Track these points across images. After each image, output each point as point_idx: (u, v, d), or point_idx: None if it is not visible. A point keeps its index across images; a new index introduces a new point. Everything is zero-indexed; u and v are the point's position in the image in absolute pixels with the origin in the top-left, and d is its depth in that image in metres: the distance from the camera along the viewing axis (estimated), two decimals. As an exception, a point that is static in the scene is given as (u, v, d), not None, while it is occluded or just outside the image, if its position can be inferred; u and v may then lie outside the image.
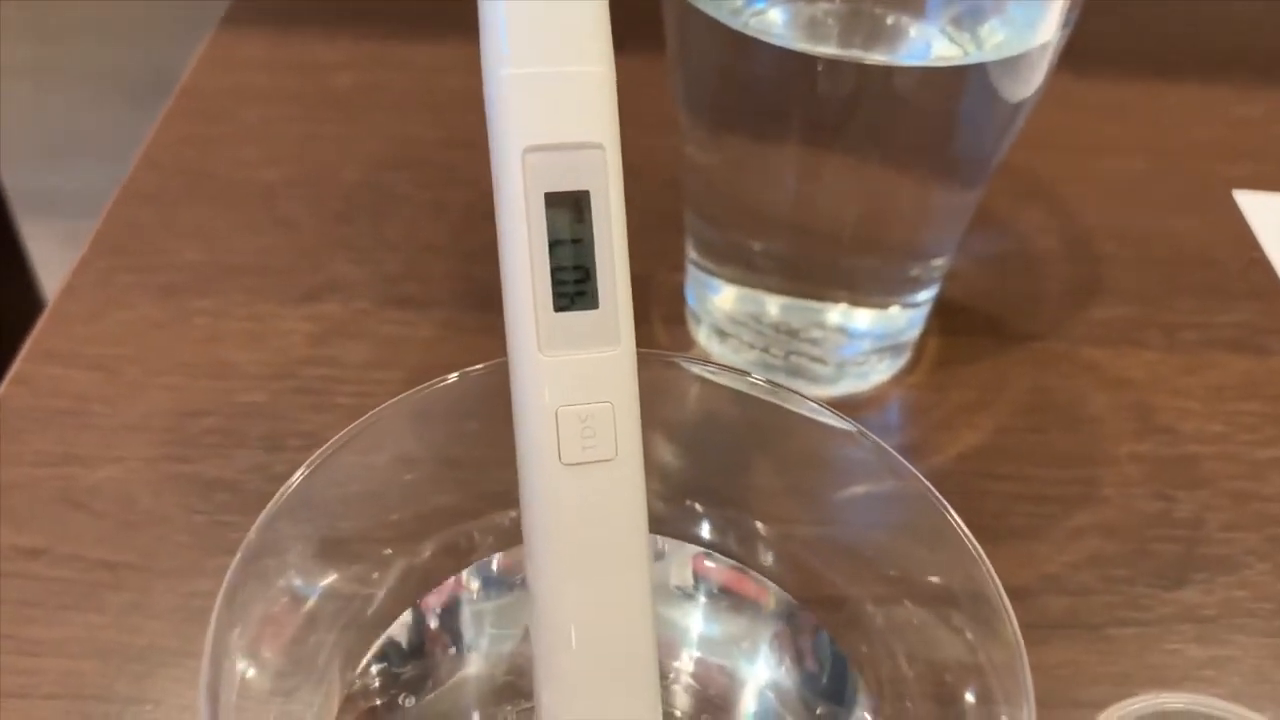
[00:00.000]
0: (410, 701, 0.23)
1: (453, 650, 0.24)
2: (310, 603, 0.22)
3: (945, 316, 0.37)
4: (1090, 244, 0.41)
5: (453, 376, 0.23)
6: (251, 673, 0.20)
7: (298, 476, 0.21)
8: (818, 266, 0.33)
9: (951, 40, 0.30)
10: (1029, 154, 0.40)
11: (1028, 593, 0.30)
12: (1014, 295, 0.38)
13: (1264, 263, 0.40)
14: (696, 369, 0.23)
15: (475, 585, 0.24)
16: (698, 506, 0.25)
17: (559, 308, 0.19)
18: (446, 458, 0.25)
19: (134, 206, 0.39)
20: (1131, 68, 0.49)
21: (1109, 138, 0.46)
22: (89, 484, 0.31)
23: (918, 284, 0.34)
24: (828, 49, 0.29)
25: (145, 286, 0.36)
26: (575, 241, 0.19)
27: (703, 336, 0.36)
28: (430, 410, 0.23)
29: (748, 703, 0.24)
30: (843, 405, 0.34)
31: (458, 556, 0.24)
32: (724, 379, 0.23)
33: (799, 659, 0.24)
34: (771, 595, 0.24)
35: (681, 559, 0.24)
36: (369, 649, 0.23)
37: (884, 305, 0.34)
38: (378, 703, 0.22)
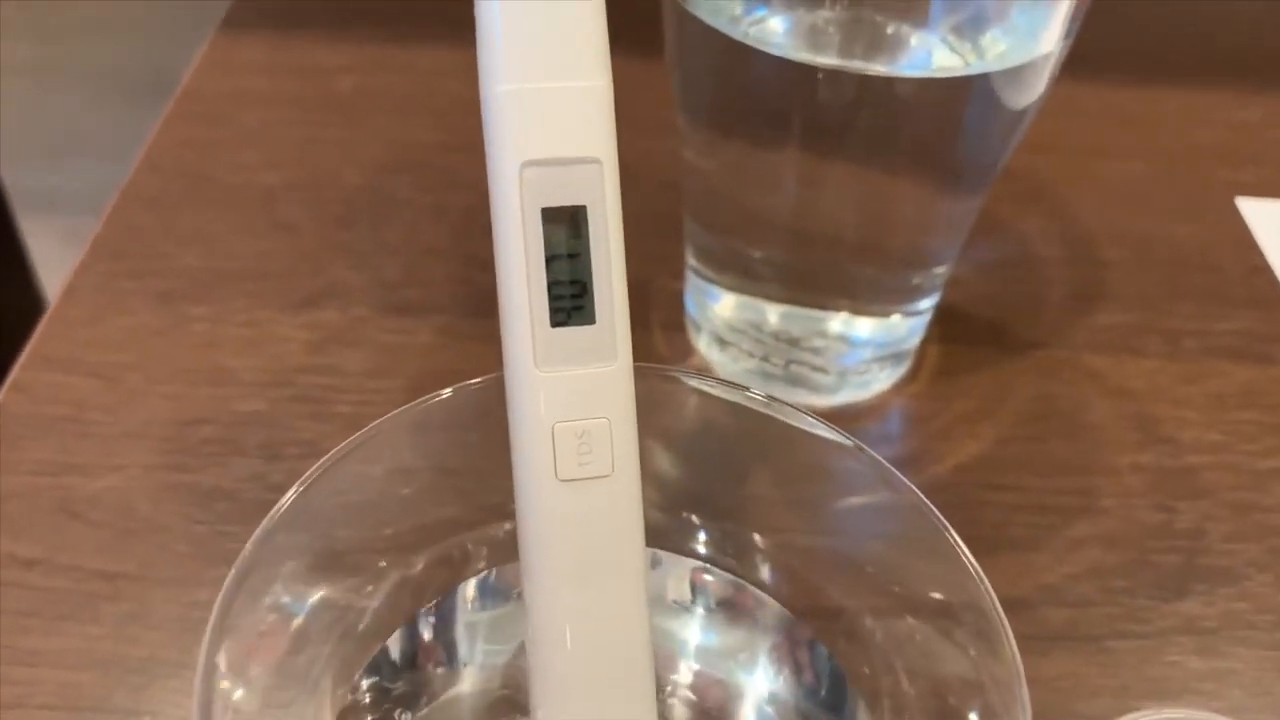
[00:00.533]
0: (405, 717, 0.22)
1: (448, 664, 0.24)
2: (301, 618, 0.22)
3: (946, 324, 0.36)
4: (1091, 249, 0.41)
5: (446, 392, 0.23)
6: (242, 691, 0.20)
7: (290, 495, 0.21)
8: (818, 275, 0.33)
9: (953, 50, 0.30)
10: (1030, 158, 0.40)
11: (1027, 604, 0.30)
12: (1015, 302, 0.38)
13: (1266, 270, 0.40)
14: (694, 383, 0.23)
15: (471, 598, 0.24)
16: (695, 519, 0.25)
17: (556, 323, 0.19)
18: (443, 468, 0.25)
19: (134, 210, 0.39)
20: (1132, 71, 0.49)
21: (1110, 142, 0.46)
22: (87, 493, 0.31)
23: (919, 292, 0.34)
24: (828, 59, 0.28)
25: (145, 292, 0.36)
26: (572, 256, 0.19)
27: (702, 345, 0.36)
28: (428, 423, 0.23)
29: (745, 716, 0.24)
30: (844, 414, 0.34)
31: (453, 569, 0.24)
32: (721, 392, 0.23)
33: (797, 672, 0.24)
34: (769, 608, 0.24)
35: (679, 572, 0.24)
36: (363, 663, 0.23)
37: (885, 313, 0.34)
38: (370, 718, 0.22)
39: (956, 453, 0.33)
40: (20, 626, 0.28)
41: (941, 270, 0.34)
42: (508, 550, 0.22)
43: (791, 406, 0.22)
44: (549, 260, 0.19)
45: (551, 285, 0.19)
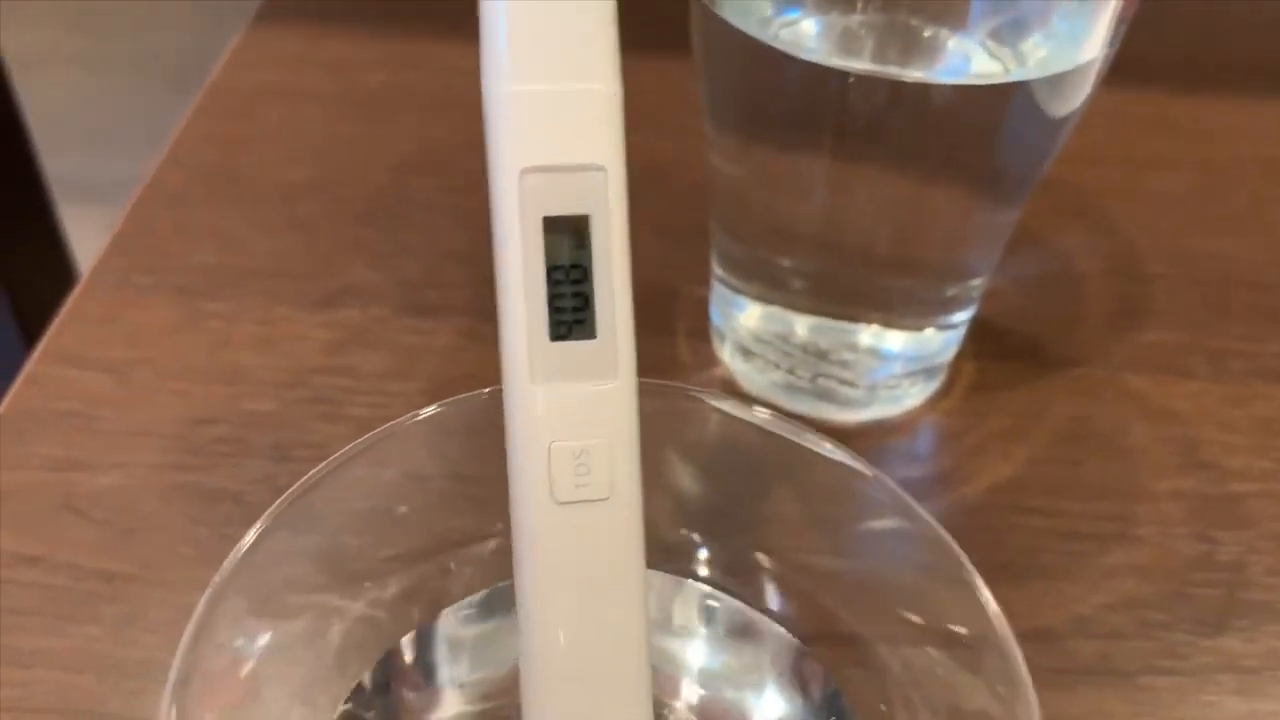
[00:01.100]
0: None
1: (437, 685, 0.23)
2: (256, 658, 0.21)
3: (981, 339, 0.35)
4: (1134, 264, 0.39)
5: (427, 411, 0.22)
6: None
7: (286, 497, 0.20)
8: (849, 285, 0.32)
9: (992, 55, 0.28)
10: (1072, 169, 0.38)
11: (1056, 635, 0.28)
12: (1054, 317, 0.37)
13: (1320, 290, 0.38)
14: (710, 401, 0.22)
15: (467, 614, 0.23)
16: (704, 541, 0.24)
17: (555, 336, 0.18)
18: (458, 475, 0.24)
19: (155, 205, 0.39)
20: (1180, 79, 0.47)
21: (1156, 153, 0.44)
22: (91, 490, 0.30)
23: (954, 305, 0.33)
24: (861, 64, 0.27)
25: (162, 288, 0.36)
26: (574, 268, 0.18)
27: (727, 354, 0.35)
28: (445, 427, 0.23)
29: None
30: (872, 430, 0.33)
31: (452, 582, 0.24)
32: (735, 411, 0.22)
33: (805, 700, 0.23)
34: (778, 635, 0.23)
35: (685, 596, 0.23)
36: (345, 685, 0.22)
37: (918, 327, 0.33)
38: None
39: (988, 473, 0.32)
40: (19, 625, 0.28)
41: (978, 283, 0.33)
42: (497, 568, 0.22)
43: (804, 427, 0.21)
44: (549, 271, 0.18)
45: (551, 297, 0.18)
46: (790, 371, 0.33)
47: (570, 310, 0.18)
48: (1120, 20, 0.27)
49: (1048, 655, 0.28)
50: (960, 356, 0.34)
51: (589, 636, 0.19)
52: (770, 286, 0.32)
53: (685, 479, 0.24)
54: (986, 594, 0.21)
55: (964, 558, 0.21)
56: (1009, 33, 0.28)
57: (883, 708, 0.22)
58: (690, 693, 0.23)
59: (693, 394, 0.23)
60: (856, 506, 0.23)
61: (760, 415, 0.22)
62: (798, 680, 0.23)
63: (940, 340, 0.33)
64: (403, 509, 0.25)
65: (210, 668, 0.20)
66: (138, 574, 0.29)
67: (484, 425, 0.20)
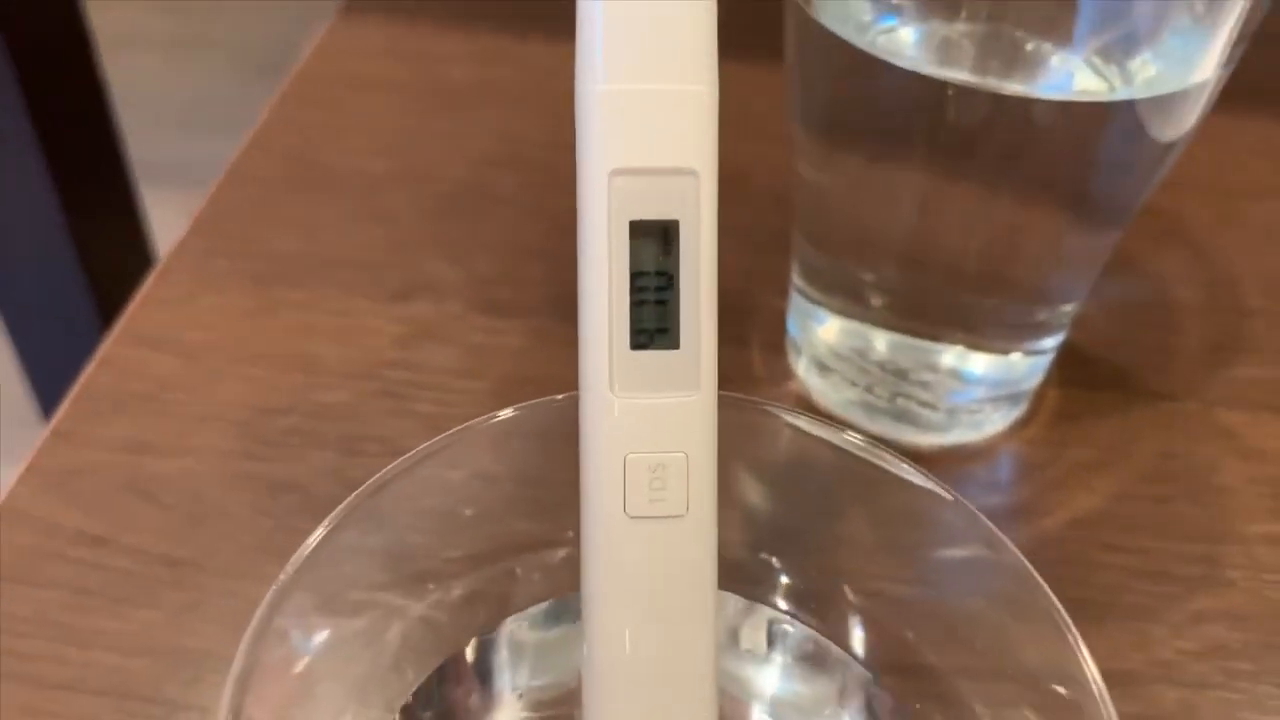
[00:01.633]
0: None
1: (495, 692, 0.22)
2: (312, 654, 0.21)
3: (1069, 366, 0.34)
4: (1233, 296, 0.38)
5: (504, 414, 0.21)
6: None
7: (319, 533, 0.20)
8: (934, 304, 0.31)
9: (1097, 72, 0.27)
10: (1172, 193, 0.37)
11: (1137, 680, 0.27)
12: (1146, 348, 0.35)
13: None
14: (788, 418, 0.22)
15: (525, 627, 0.23)
16: (778, 563, 0.23)
17: (636, 345, 0.17)
18: (526, 478, 0.24)
19: (237, 190, 0.39)
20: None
21: (1262, 179, 0.42)
22: (159, 474, 0.30)
23: (1043, 329, 0.31)
24: (961, 74, 0.26)
25: (239, 273, 0.36)
26: (660, 274, 0.17)
27: (802, 369, 0.34)
28: (516, 431, 0.22)
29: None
30: (951, 456, 0.32)
31: (501, 599, 0.23)
32: (810, 428, 0.21)
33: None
34: (849, 665, 0.22)
35: (755, 620, 0.23)
36: (402, 687, 0.22)
37: (1004, 350, 0.32)
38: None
39: (1070, 506, 0.31)
40: (81, 605, 0.28)
41: (1069, 308, 0.31)
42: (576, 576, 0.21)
43: (886, 450, 0.21)
44: (634, 277, 0.17)
45: (635, 305, 0.17)
46: (868, 390, 0.32)
47: (654, 319, 0.17)
48: (1238, 40, 0.26)
49: (1127, 700, 0.27)
50: (1046, 383, 0.33)
51: (655, 656, 0.18)
52: (851, 300, 0.31)
53: (757, 496, 0.23)
54: (1074, 633, 0.20)
55: (1049, 592, 0.20)
56: (1117, 50, 0.27)
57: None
58: (759, 716, 0.22)
59: (768, 408, 0.22)
60: (936, 533, 0.22)
61: (837, 434, 0.22)
62: (869, 713, 0.22)
63: (1026, 365, 0.32)
64: (470, 511, 0.25)
65: (269, 661, 0.20)
66: (200, 561, 0.28)
67: (559, 431, 0.19)
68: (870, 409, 0.32)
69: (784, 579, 0.23)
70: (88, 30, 0.70)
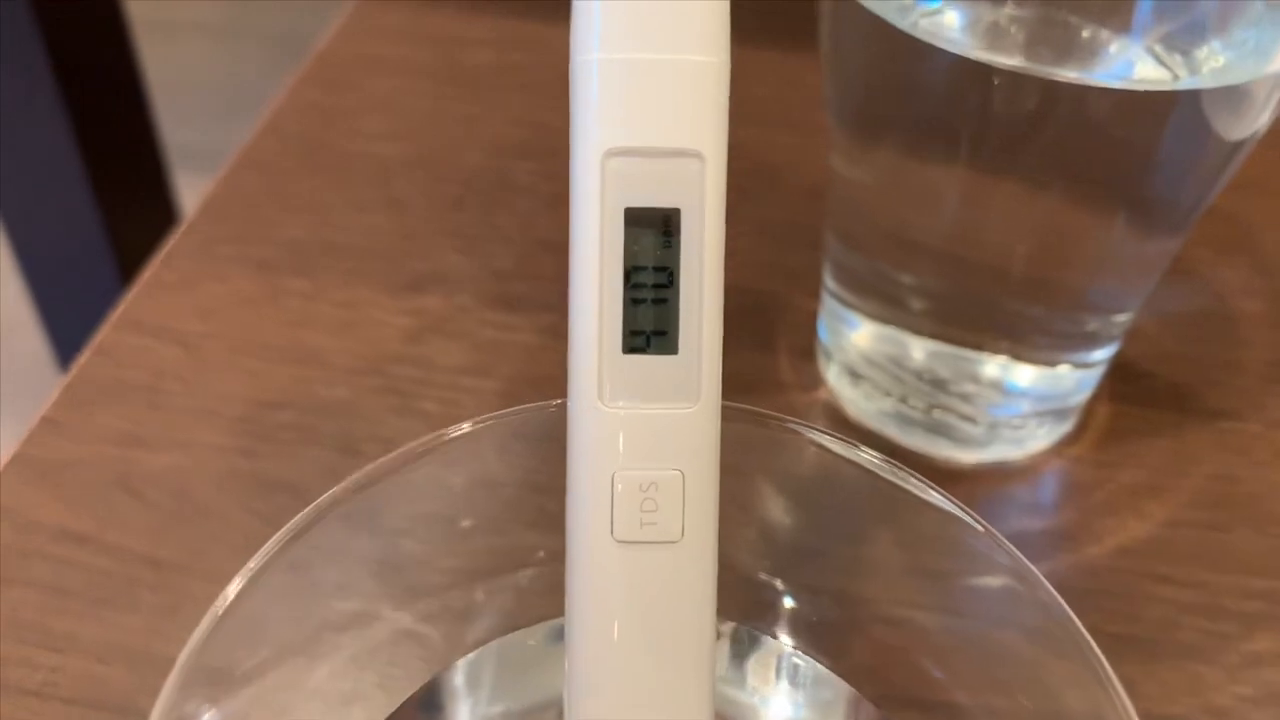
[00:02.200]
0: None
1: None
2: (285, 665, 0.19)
3: (1121, 381, 0.32)
4: (1301, 310, 0.35)
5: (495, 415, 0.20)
6: None
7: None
8: (977, 310, 0.29)
9: (1159, 62, 0.25)
10: (1237, 198, 0.34)
11: (1187, 726, 0.25)
12: (1205, 363, 0.33)
13: None
14: (804, 433, 0.20)
15: (521, 648, 0.21)
16: (785, 585, 0.21)
17: (630, 349, 0.15)
18: (532, 484, 0.22)
19: (246, 174, 0.37)
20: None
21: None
22: (148, 470, 0.29)
23: (1094, 341, 0.29)
24: (1011, 60, 0.24)
25: (243, 260, 0.34)
26: (659, 270, 0.15)
27: (832, 376, 0.32)
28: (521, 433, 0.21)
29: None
30: (991, 473, 0.30)
31: (496, 615, 0.21)
32: (832, 446, 0.19)
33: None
34: (864, 704, 0.20)
35: (761, 654, 0.21)
36: (385, 704, 0.20)
37: (1051, 362, 0.29)
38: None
39: (1119, 532, 0.29)
40: (57, 606, 0.26)
41: (1122, 318, 0.29)
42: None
43: (908, 471, 0.19)
44: (629, 272, 0.15)
45: (630, 302, 0.15)
46: (902, 400, 0.30)
47: (650, 320, 0.15)
48: (1319, 28, 0.23)
49: (1176, 748, 0.25)
50: (1096, 398, 0.31)
51: (643, 699, 0.16)
52: (887, 304, 0.29)
53: (772, 516, 0.21)
54: (1108, 670, 0.18)
55: (1081, 627, 0.18)
56: (1182, 38, 0.25)
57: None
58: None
59: (788, 424, 0.20)
60: (961, 561, 0.20)
61: (859, 453, 0.20)
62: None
63: (1075, 379, 0.30)
64: (468, 520, 0.23)
65: (231, 671, 0.18)
66: (185, 563, 0.27)
67: (561, 435, 0.18)
68: (904, 421, 0.30)
69: (794, 603, 0.21)
70: (124, 16, 0.69)
